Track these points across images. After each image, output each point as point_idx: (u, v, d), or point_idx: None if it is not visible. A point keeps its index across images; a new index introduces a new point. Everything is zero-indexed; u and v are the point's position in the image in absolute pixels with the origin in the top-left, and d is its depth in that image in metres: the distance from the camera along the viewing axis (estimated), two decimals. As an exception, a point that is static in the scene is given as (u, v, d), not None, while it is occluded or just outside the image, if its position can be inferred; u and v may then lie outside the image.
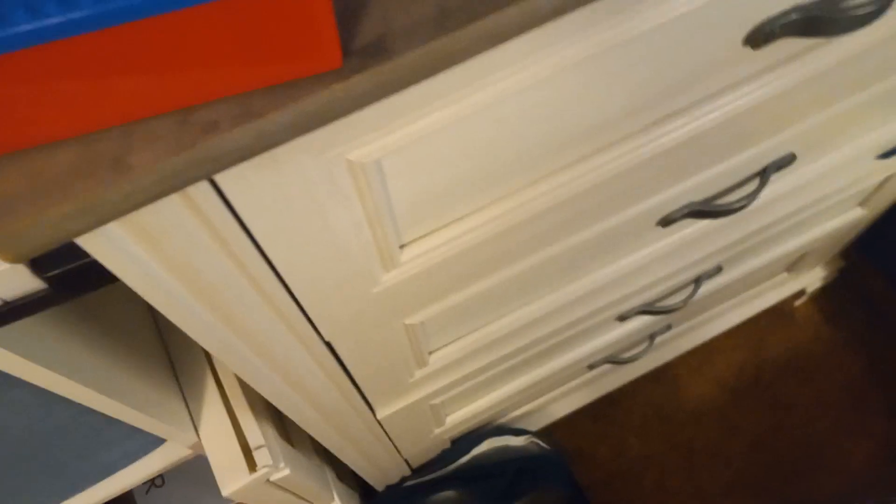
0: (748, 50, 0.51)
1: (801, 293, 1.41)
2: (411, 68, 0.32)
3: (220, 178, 0.36)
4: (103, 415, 0.65)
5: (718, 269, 0.98)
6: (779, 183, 0.79)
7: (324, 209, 0.44)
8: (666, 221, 0.73)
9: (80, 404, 0.61)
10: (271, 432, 0.79)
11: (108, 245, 0.36)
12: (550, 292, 0.76)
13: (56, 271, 0.43)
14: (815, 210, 0.93)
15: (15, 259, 0.30)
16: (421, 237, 0.54)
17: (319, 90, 0.31)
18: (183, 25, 0.27)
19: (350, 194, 0.44)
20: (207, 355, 0.80)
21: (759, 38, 0.50)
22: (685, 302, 0.97)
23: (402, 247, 0.54)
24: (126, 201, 0.31)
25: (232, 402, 0.77)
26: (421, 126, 0.41)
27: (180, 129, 0.30)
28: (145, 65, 0.28)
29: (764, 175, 0.73)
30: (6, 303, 0.44)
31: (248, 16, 0.27)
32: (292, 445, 0.87)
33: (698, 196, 0.71)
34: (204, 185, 0.36)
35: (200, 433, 0.75)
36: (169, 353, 0.79)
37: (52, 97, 0.28)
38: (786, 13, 0.49)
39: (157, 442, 0.75)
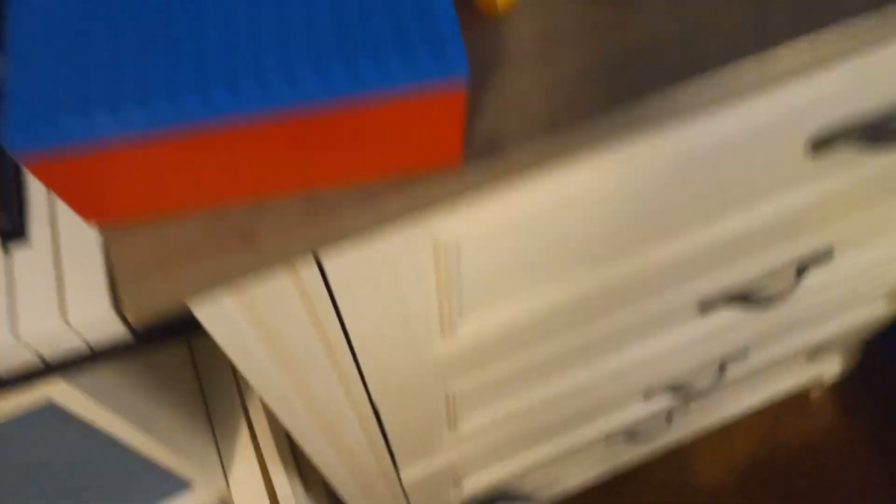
0: (808, 157, 0.54)
1: (818, 382, 1.41)
2: (521, 167, 0.34)
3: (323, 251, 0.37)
4: (141, 456, 0.66)
5: (745, 355, 1.00)
6: (815, 275, 0.80)
7: (401, 282, 0.45)
8: (705, 307, 0.75)
9: (122, 444, 0.62)
10: (299, 486, 0.79)
11: (210, 306, 0.37)
12: (587, 368, 0.77)
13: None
14: (843, 302, 0.94)
15: (138, 319, 0.32)
16: (480, 311, 0.55)
17: (436, 182, 0.33)
18: (328, 120, 0.29)
19: (428, 270, 0.46)
20: (244, 408, 0.81)
21: (820, 146, 0.52)
22: (713, 385, 0.97)
23: (462, 319, 0.55)
24: (247, 269, 0.32)
25: (264, 452, 0.77)
26: (507, 216, 0.43)
27: (305, 208, 0.32)
28: (285, 150, 0.30)
29: (802, 269, 0.75)
30: (90, 347, 0.46)
31: (392, 118, 0.29)
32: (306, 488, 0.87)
33: (738, 285, 0.73)
34: (308, 257, 0.37)
35: (230, 481, 0.76)
36: (207, 405, 0.80)
37: (197, 172, 0.30)
38: (848, 124, 0.51)
39: (186, 486, 0.75)
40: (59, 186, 0.29)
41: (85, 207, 0.31)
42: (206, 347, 0.87)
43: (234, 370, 0.88)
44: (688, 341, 0.81)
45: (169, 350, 0.75)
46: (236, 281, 0.33)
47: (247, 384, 0.88)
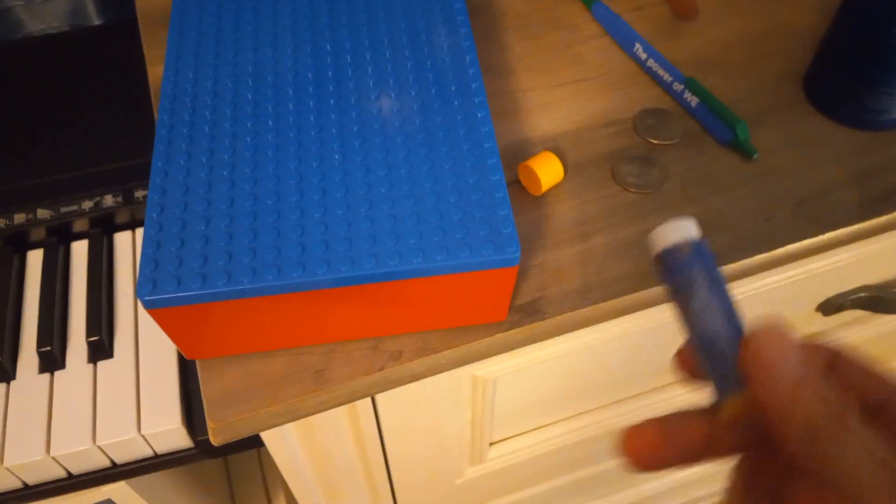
0: (818, 315, 0.59)
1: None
2: (558, 327, 0.39)
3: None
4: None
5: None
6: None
7: (441, 412, 0.50)
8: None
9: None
10: None
11: (276, 431, 0.42)
12: (606, 497, 0.79)
13: (207, 436, 0.50)
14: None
15: (219, 442, 0.37)
16: (509, 438, 0.59)
17: (485, 336, 0.38)
18: (405, 287, 0.34)
19: (465, 401, 0.50)
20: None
21: (829, 307, 0.57)
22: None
23: (491, 444, 0.59)
24: (318, 407, 0.37)
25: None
26: (540, 356, 0.48)
27: (372, 354, 0.38)
28: (363, 307, 0.36)
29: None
30: (156, 455, 0.50)
31: (455, 287, 0.35)
32: None
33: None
34: (365, 391, 0.43)
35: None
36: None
37: (283, 321, 0.36)
38: (855, 291, 0.56)
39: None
40: (171, 329, 0.35)
41: (189, 346, 0.36)
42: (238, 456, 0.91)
43: (263, 477, 0.92)
44: (706, 475, 0.84)
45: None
46: (308, 414, 0.38)
47: (274, 490, 0.91)
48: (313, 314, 0.35)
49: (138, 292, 0.32)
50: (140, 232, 0.59)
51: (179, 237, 0.34)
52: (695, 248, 0.25)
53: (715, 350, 0.24)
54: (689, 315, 0.25)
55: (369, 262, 0.33)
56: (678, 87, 0.47)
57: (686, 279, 0.25)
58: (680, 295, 0.25)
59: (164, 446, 0.50)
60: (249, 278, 0.32)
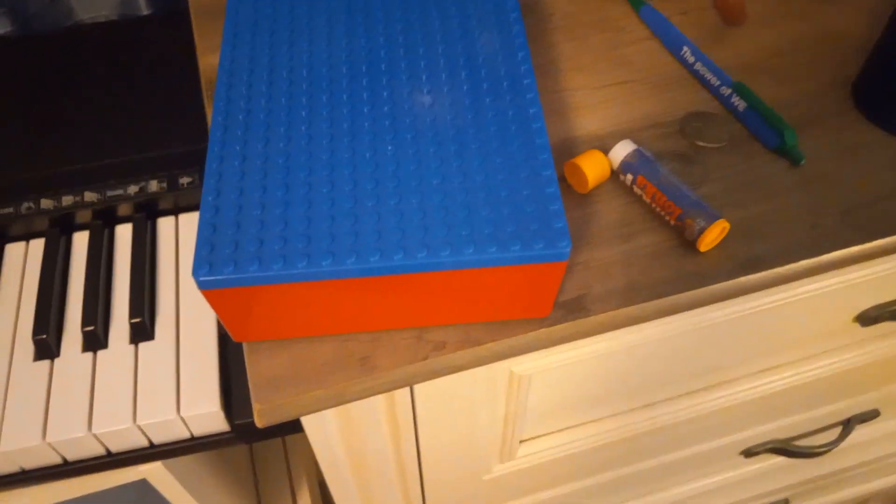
0: (856, 325, 0.58)
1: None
2: (601, 325, 0.40)
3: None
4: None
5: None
6: (859, 432, 0.82)
7: (475, 406, 0.50)
8: (749, 453, 0.77)
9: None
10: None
11: (316, 416, 0.43)
12: (634, 501, 0.79)
13: (244, 420, 0.50)
14: (887, 462, 0.95)
15: (264, 423, 0.38)
16: (539, 436, 0.60)
17: (528, 330, 0.39)
18: (447, 276, 0.35)
19: (500, 397, 0.51)
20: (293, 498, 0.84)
21: (867, 318, 0.57)
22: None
23: (521, 442, 0.59)
24: (362, 393, 0.38)
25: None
26: (577, 355, 0.48)
27: (416, 344, 0.38)
28: (406, 295, 0.36)
29: (847, 426, 0.77)
30: (193, 437, 0.51)
31: (504, 279, 0.35)
32: None
33: (783, 435, 0.76)
34: (405, 381, 0.43)
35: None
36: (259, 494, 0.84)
37: (332, 307, 0.36)
38: (894, 303, 0.56)
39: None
40: (223, 310, 0.36)
41: (238, 327, 0.37)
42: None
43: (287, 466, 0.93)
44: (731, 483, 0.83)
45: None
46: (351, 400, 0.38)
47: (298, 480, 0.92)
48: (362, 302, 0.36)
49: (194, 273, 0.33)
50: (183, 218, 0.60)
51: (235, 221, 0.34)
52: (639, 151, 0.43)
53: (678, 192, 0.41)
54: (655, 182, 0.41)
55: (421, 251, 0.33)
56: (726, 91, 0.47)
57: (647, 167, 0.42)
58: (644, 175, 0.42)
59: (201, 429, 0.51)
60: (304, 263, 0.33)
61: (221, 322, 0.37)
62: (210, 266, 0.33)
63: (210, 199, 0.35)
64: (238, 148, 0.37)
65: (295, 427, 0.53)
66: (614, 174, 0.44)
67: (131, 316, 0.54)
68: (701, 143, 0.45)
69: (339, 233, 0.34)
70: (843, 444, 0.83)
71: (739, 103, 0.46)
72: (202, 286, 0.34)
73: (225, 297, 0.34)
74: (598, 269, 0.41)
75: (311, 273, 0.33)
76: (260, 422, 0.37)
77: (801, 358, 0.62)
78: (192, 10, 0.55)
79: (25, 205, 0.58)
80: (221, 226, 0.34)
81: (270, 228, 0.34)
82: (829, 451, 0.77)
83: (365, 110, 0.39)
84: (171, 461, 0.55)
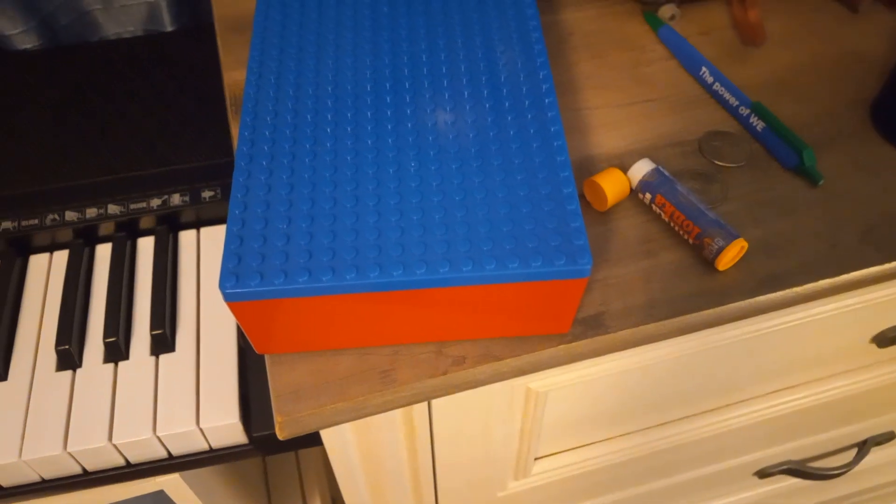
0: (873, 346, 0.58)
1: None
2: (621, 342, 0.40)
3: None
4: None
5: (801, 525, 0.99)
6: (875, 454, 0.82)
7: (492, 421, 0.51)
8: (763, 474, 0.77)
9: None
10: None
11: (335, 429, 0.43)
12: (645, 520, 0.79)
13: (262, 433, 0.51)
14: (904, 485, 0.94)
15: (286, 436, 0.38)
16: (554, 454, 0.60)
17: (548, 346, 0.39)
18: (468, 291, 0.35)
19: (517, 413, 0.51)
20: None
21: (884, 340, 0.57)
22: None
23: (536, 459, 0.59)
24: (382, 407, 0.38)
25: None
26: (594, 372, 0.48)
27: (436, 358, 0.39)
28: (427, 309, 0.36)
29: (863, 448, 0.77)
30: (212, 449, 0.52)
31: (524, 294, 0.35)
32: None
33: (798, 456, 0.75)
34: (424, 395, 0.43)
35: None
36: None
37: (354, 320, 0.37)
38: (911, 325, 0.56)
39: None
40: (248, 322, 0.36)
41: (262, 340, 0.38)
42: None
43: (300, 479, 0.93)
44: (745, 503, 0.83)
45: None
46: (371, 413, 0.38)
47: (311, 496, 0.92)
48: (383, 315, 0.36)
49: (221, 285, 0.34)
50: (204, 231, 0.61)
51: (262, 234, 0.35)
52: (658, 171, 0.43)
53: (697, 211, 0.41)
54: (674, 201, 0.42)
55: (444, 266, 0.34)
56: (744, 110, 0.47)
57: (666, 186, 0.42)
58: (663, 195, 0.42)
59: (219, 441, 0.51)
60: (329, 277, 0.33)
61: (245, 334, 0.37)
62: (237, 278, 0.34)
63: (237, 211, 0.36)
64: (265, 162, 0.38)
65: (312, 440, 0.53)
66: (633, 192, 0.45)
67: (152, 328, 0.54)
68: (719, 163, 0.46)
69: (363, 246, 0.34)
70: (859, 467, 0.82)
71: (758, 123, 0.47)
72: (228, 298, 0.34)
73: (250, 309, 0.35)
74: (617, 286, 0.41)
75: (336, 286, 0.33)
76: (282, 434, 0.38)
77: (817, 378, 0.61)
78: (217, 26, 0.56)
79: (50, 216, 0.59)
80: (248, 238, 0.35)
81: (296, 241, 0.35)
82: (845, 473, 0.77)
83: (389, 126, 0.39)
84: (188, 473, 0.56)
